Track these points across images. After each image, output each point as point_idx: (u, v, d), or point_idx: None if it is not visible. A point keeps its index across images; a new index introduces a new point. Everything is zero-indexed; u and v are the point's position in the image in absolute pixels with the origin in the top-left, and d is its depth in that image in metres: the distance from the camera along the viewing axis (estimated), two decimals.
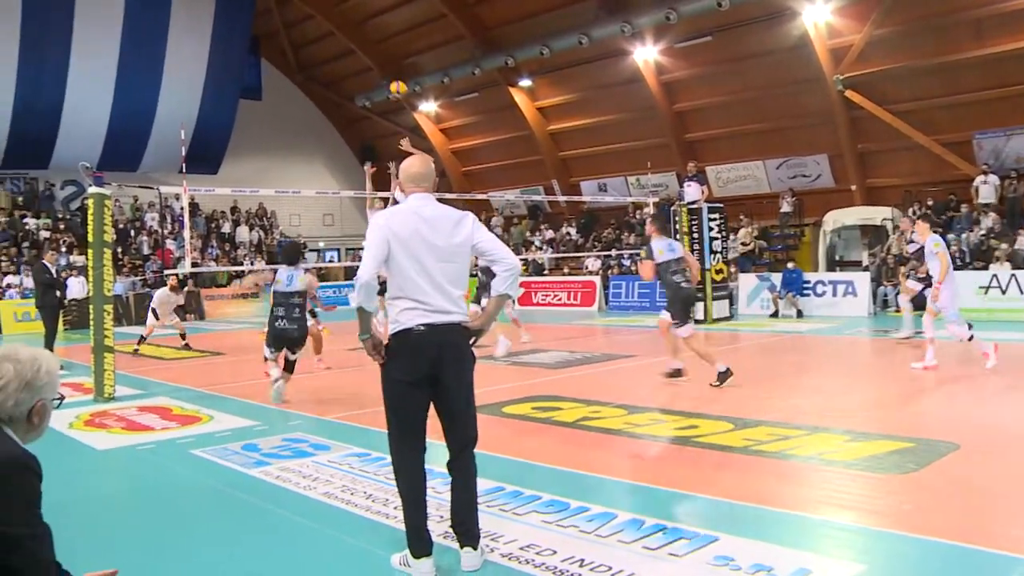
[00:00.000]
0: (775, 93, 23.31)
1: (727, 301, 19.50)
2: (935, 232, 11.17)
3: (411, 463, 4.38)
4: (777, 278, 19.74)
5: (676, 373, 10.09)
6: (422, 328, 4.23)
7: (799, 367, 12.00)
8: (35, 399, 2.54)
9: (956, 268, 19.13)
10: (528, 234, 30.45)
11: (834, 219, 22.15)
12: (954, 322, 10.53)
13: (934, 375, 10.30)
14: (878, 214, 21.68)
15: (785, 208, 23.99)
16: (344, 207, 35.33)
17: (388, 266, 4.31)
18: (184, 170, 14.51)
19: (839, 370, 11.62)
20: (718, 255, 19.18)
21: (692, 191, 19.30)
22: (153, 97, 28.29)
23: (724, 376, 9.55)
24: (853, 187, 23.01)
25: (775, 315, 19.31)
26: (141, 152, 28.83)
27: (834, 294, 19.34)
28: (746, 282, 20.93)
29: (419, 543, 4.30)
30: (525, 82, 28.65)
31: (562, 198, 27.44)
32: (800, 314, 18.95)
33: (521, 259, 12.40)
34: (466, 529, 4.41)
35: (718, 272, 18.97)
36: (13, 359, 2.54)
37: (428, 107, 32.24)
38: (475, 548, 4.40)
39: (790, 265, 19.97)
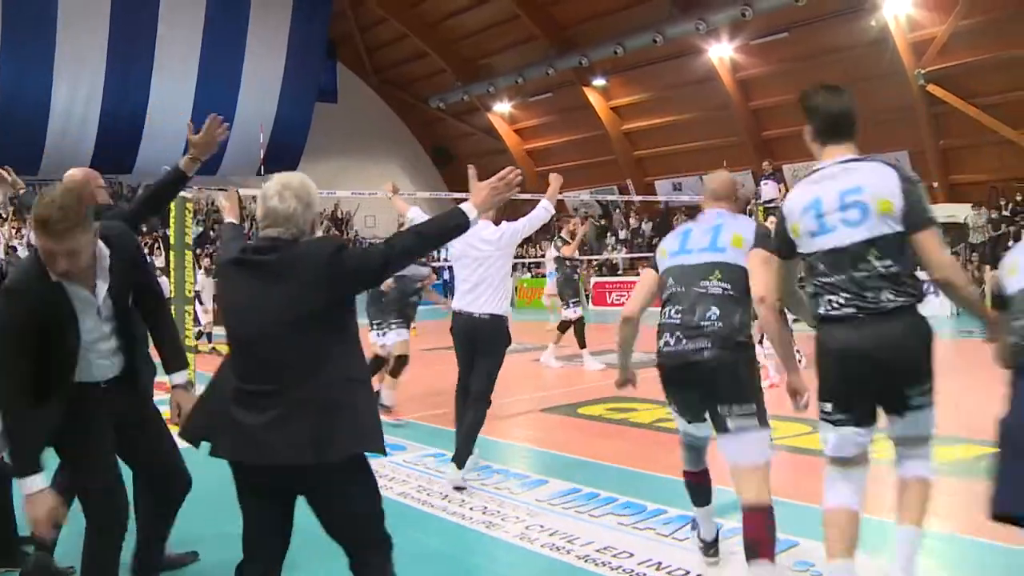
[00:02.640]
0: (853, 89, 21.89)
1: None
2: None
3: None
4: None
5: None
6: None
7: None
8: (313, 214, 3.01)
9: None
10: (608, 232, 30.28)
11: None
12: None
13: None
14: (961, 212, 21.13)
15: None
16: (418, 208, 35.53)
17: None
18: (262, 172, 14.75)
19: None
20: None
21: (769, 190, 19.06)
22: (232, 102, 28.84)
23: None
24: (935, 184, 22.45)
25: None
26: (220, 155, 29.28)
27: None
28: None
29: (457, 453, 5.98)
30: (599, 82, 28.54)
31: (636, 198, 27.28)
32: None
33: (596, 258, 12.41)
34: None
35: None
36: (291, 188, 2.97)
37: (502, 108, 32.30)
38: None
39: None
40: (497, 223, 6.32)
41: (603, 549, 4.62)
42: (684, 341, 3.78)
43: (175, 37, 26.82)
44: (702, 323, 3.73)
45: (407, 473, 6.39)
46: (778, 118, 25.47)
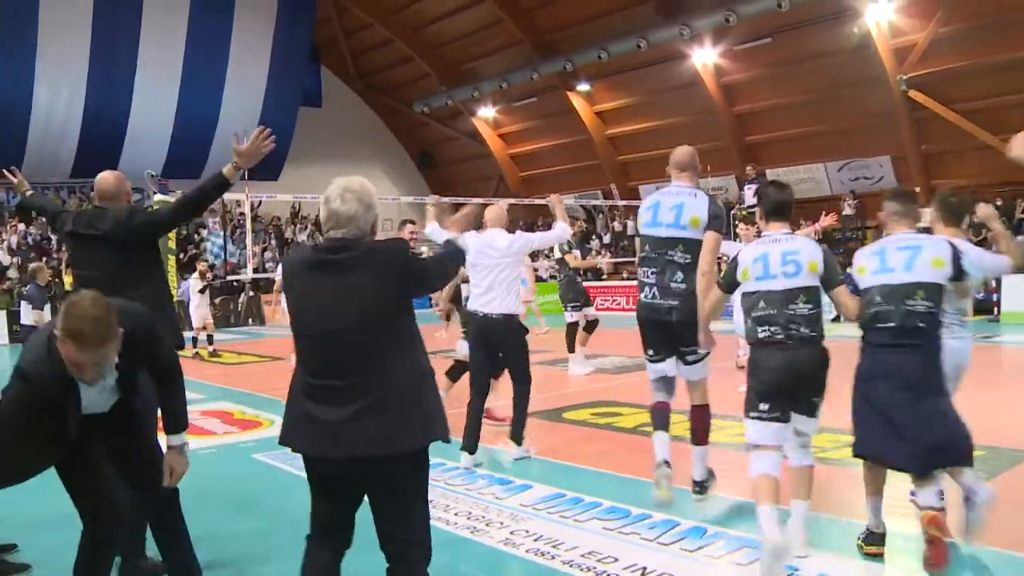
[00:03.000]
0: (836, 94, 22.96)
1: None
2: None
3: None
4: None
5: None
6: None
7: None
8: (374, 216, 3.17)
9: None
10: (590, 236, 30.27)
11: None
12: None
13: (1004, 380, 10.02)
14: None
15: (847, 211, 23.61)
16: (402, 212, 35.45)
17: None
18: (246, 177, 14.64)
19: None
20: None
21: (752, 194, 19.07)
22: (215, 106, 28.74)
23: None
24: (917, 189, 22.54)
25: (836, 319, 18.89)
26: (204, 159, 29.22)
27: None
28: None
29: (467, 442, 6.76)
30: (583, 86, 28.59)
31: (621, 202, 27.31)
32: None
33: (581, 264, 12.33)
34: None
35: None
36: (352, 191, 3.13)
37: (486, 112, 32.30)
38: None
39: (849, 269, 19.56)
40: (512, 231, 7.09)
41: (588, 554, 4.62)
42: (659, 297, 5.30)
43: (158, 41, 26.73)
44: (671, 284, 5.26)
45: None
46: (762, 123, 25.60)
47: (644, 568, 4.39)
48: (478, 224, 3.71)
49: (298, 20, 29.66)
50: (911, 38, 20.94)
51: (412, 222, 8.85)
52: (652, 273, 5.33)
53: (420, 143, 37.07)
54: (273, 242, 30.68)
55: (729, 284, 4.83)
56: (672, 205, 5.33)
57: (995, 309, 18.19)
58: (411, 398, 3.08)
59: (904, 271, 4.40)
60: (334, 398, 3.02)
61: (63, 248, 25.63)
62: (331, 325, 3.04)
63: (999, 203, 20.51)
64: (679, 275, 5.24)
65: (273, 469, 7.01)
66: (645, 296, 5.38)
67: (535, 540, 4.89)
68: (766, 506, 4.38)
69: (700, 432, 5.55)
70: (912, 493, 4.85)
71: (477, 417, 6.84)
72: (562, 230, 7.17)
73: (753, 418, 4.56)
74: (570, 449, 7.35)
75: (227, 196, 14.78)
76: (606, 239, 29.45)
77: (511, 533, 5.01)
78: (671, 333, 5.34)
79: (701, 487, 5.55)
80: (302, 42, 30.39)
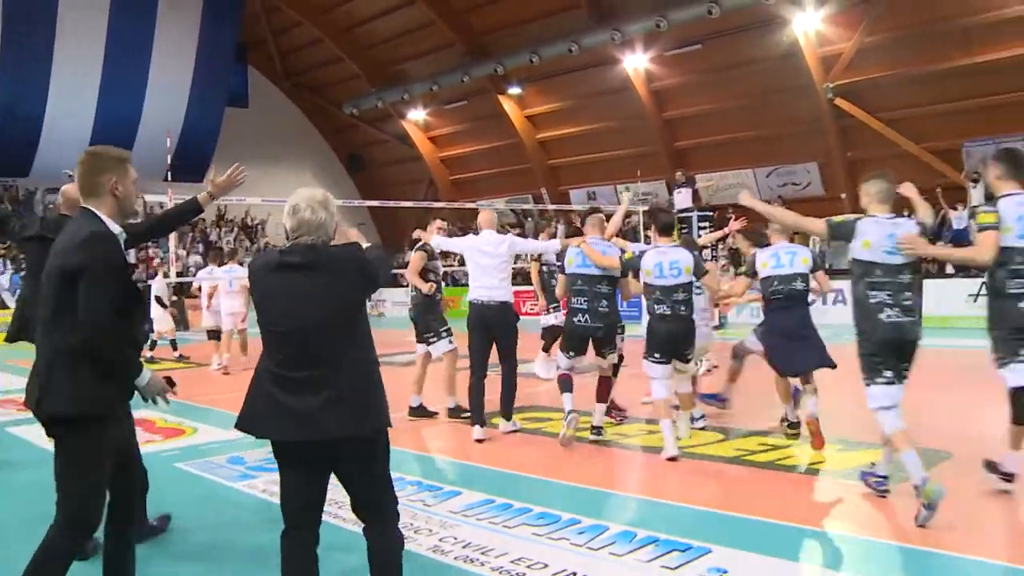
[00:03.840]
0: (765, 101, 23.28)
1: (716, 308, 19.41)
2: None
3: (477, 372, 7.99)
4: None
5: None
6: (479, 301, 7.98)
7: None
8: (335, 222, 3.57)
9: (946, 276, 19.29)
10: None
11: None
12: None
13: (924, 384, 10.17)
14: None
15: None
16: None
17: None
18: (170, 178, 14.34)
19: (828, 379, 11.52)
20: (709, 262, 19.10)
21: (682, 198, 19.23)
22: (138, 105, 28.07)
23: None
24: (843, 195, 22.99)
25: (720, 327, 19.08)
26: None
27: (824, 302, 19.24)
28: None
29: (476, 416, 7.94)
30: (514, 90, 28.56)
31: (551, 206, 27.40)
32: None
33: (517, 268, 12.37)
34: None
35: None
36: (319, 201, 3.50)
37: (416, 115, 32.12)
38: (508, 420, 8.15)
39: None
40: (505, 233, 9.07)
41: (517, 560, 4.58)
42: (590, 322, 7.42)
43: (76, 39, 25.89)
44: (599, 309, 7.41)
45: None
46: (691, 128, 25.87)
47: (574, 574, 4.36)
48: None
49: (224, 19, 29.09)
50: (837, 47, 21.34)
51: (441, 219, 9.51)
52: (584, 301, 7.40)
53: (349, 145, 36.72)
54: (200, 246, 30.08)
55: (631, 269, 7.36)
56: (599, 252, 7.47)
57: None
58: (373, 383, 3.48)
59: (789, 266, 7.19)
60: (299, 388, 3.33)
61: None
62: (296, 323, 3.37)
63: None
64: (604, 303, 7.42)
65: (197, 478, 6.85)
66: (578, 321, 7.43)
67: (464, 547, 4.83)
68: (666, 420, 6.89)
69: (603, 393, 7.66)
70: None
71: (480, 394, 7.92)
72: (552, 244, 9.06)
73: (652, 361, 7.13)
74: (499, 454, 7.31)
75: (148, 198, 14.37)
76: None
77: (440, 540, 4.95)
78: (597, 341, 7.54)
79: (598, 431, 7.67)
80: (228, 42, 29.79)
